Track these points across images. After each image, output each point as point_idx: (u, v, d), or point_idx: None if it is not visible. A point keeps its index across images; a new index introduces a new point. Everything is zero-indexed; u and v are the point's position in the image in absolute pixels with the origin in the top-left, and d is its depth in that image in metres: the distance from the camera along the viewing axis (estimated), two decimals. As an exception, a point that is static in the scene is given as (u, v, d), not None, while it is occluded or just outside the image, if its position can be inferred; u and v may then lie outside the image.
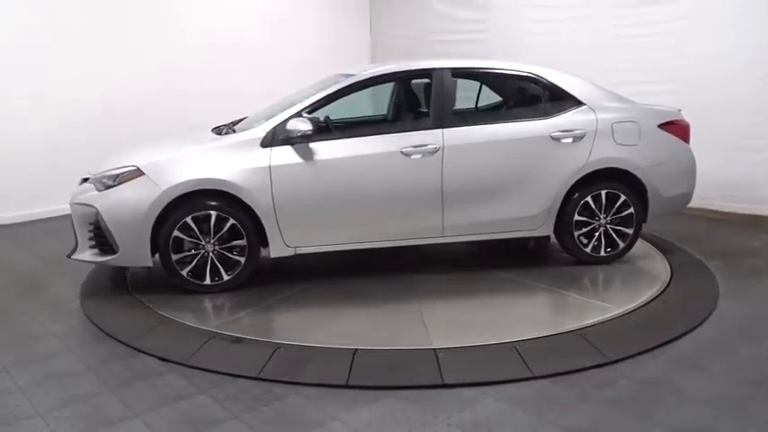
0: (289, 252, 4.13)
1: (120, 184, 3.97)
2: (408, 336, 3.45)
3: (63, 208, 6.37)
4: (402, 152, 4.09)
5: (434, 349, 3.23)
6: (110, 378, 3.07)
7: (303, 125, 3.95)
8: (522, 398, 2.81)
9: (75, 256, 4.11)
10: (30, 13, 6.28)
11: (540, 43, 7.09)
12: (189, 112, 6.82)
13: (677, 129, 4.53)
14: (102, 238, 4.01)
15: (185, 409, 2.78)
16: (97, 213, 3.93)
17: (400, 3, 8.95)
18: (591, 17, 6.78)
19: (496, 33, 7.69)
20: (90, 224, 4.02)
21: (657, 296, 3.95)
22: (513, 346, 3.24)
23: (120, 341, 3.47)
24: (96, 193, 4.01)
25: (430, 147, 4.12)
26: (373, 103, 5.95)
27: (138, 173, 3.96)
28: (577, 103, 4.38)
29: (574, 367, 3.05)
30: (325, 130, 4.28)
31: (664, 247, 4.93)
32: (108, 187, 3.99)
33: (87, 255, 4.07)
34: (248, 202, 3.97)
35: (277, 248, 4.10)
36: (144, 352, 3.32)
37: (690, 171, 4.60)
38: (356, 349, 3.24)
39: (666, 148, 4.48)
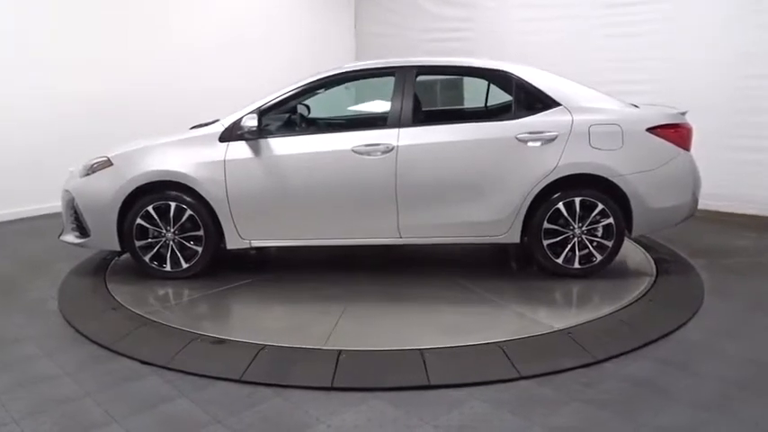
0: (244, 244, 4.23)
1: (93, 172, 4.26)
2: (306, 335, 3.40)
3: (45, 207, 6.32)
4: (354, 150, 4.05)
5: (420, 350, 3.18)
6: (88, 382, 2.99)
7: (250, 122, 4.05)
8: (508, 399, 2.78)
9: (61, 238, 4.46)
10: (29, 13, 6.24)
11: (528, 42, 7.11)
12: (182, 110, 6.76)
13: (672, 133, 4.07)
14: (79, 222, 4.33)
15: (167, 413, 2.72)
16: (73, 199, 4.28)
17: (385, 0, 8.92)
18: (579, 16, 6.81)
19: (484, 32, 7.70)
20: (71, 208, 4.34)
21: (644, 295, 3.94)
22: (500, 347, 3.21)
23: (98, 344, 3.39)
24: (77, 180, 4.33)
25: (382, 146, 4.05)
26: (358, 101, 5.92)
27: (108, 163, 4.24)
28: (553, 102, 4.09)
29: (560, 367, 3.02)
30: (285, 126, 4.45)
31: (649, 246, 4.94)
32: (86, 175, 4.29)
33: (70, 237, 4.41)
34: (204, 195, 4.12)
35: (232, 240, 4.22)
36: (124, 355, 3.25)
37: (686, 180, 4.14)
38: (340, 350, 3.19)
39: (656, 154, 4.05)
